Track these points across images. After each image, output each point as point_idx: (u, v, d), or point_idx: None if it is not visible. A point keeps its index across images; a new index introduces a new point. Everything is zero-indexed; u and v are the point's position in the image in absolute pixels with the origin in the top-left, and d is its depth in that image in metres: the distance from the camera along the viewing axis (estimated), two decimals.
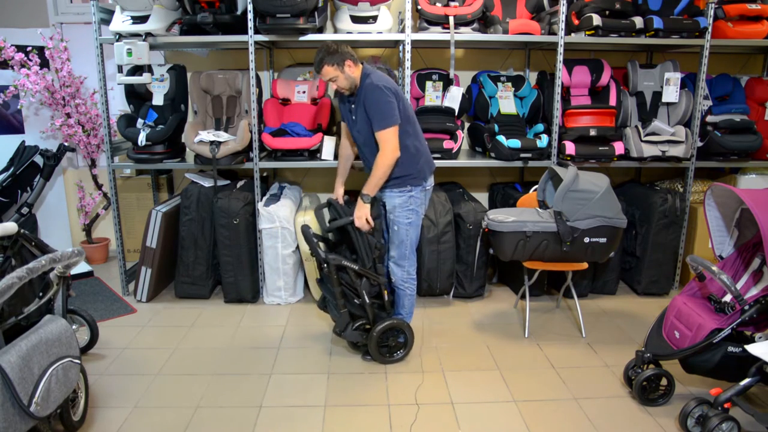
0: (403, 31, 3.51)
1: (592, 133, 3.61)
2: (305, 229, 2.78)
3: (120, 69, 3.50)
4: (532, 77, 4.26)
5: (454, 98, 3.78)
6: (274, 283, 3.62)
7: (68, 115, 4.02)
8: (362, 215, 2.68)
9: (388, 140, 2.60)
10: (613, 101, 3.77)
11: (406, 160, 2.71)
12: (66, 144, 4.07)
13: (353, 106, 2.75)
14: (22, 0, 4.24)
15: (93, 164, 4.26)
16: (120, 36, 3.38)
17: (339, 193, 3.04)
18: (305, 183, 4.36)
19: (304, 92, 3.83)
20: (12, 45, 3.81)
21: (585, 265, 3.14)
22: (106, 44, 3.52)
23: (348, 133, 2.96)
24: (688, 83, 3.82)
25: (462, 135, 3.74)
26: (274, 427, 2.38)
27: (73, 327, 2.76)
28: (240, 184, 3.85)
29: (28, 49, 3.87)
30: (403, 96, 2.73)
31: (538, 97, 3.89)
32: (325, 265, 2.70)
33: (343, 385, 2.71)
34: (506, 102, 3.93)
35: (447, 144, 3.60)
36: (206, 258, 3.65)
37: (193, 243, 3.61)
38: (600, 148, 3.62)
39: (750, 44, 3.77)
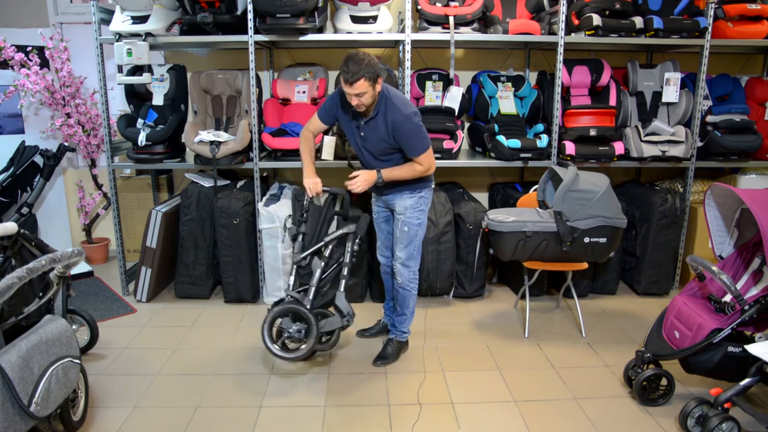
0: (403, 31, 3.51)
1: (592, 133, 3.61)
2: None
3: (120, 69, 3.50)
4: (532, 77, 4.26)
5: (454, 98, 3.78)
6: (274, 283, 3.62)
7: (68, 115, 4.02)
8: (364, 183, 2.62)
9: (427, 160, 2.63)
10: (613, 101, 3.77)
11: None
12: (66, 144, 4.07)
13: (362, 123, 2.65)
14: (22, 0, 4.25)
15: (93, 164, 4.26)
16: (120, 36, 3.38)
17: (318, 182, 2.77)
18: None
19: (304, 92, 3.83)
20: (12, 45, 3.81)
21: (585, 265, 3.14)
22: (106, 44, 3.52)
23: (315, 127, 2.84)
24: (688, 83, 3.82)
25: (462, 135, 3.74)
26: (274, 427, 2.38)
27: (73, 327, 2.76)
28: (240, 184, 3.85)
29: (28, 49, 3.87)
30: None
31: (538, 97, 3.89)
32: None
33: (343, 385, 2.71)
34: (506, 102, 3.93)
35: (447, 144, 3.60)
36: (206, 258, 3.65)
37: (193, 243, 3.61)
38: (600, 148, 3.62)
39: (750, 44, 3.77)
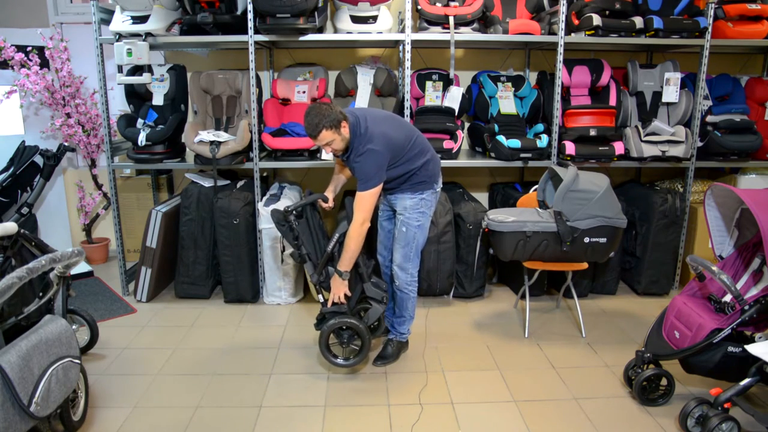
0: (403, 31, 3.51)
1: (592, 133, 3.61)
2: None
3: (120, 69, 3.50)
4: (532, 77, 4.26)
5: (454, 98, 3.78)
6: (274, 283, 3.62)
7: (68, 115, 4.02)
8: (338, 291, 2.64)
9: (362, 207, 2.54)
10: (613, 101, 3.77)
11: (420, 172, 2.72)
12: (66, 144, 4.07)
13: (345, 159, 2.69)
14: (22, 0, 4.25)
15: (93, 164, 4.26)
16: (120, 36, 3.38)
17: (328, 197, 2.94)
18: (305, 183, 4.36)
19: (304, 92, 3.83)
20: (12, 45, 3.81)
21: (585, 265, 3.14)
22: (106, 44, 3.52)
23: (341, 164, 2.94)
24: (688, 83, 3.82)
25: (462, 135, 3.74)
26: (274, 427, 2.38)
27: (73, 327, 2.77)
28: (240, 184, 3.86)
29: (28, 49, 3.87)
30: (407, 129, 2.69)
31: (538, 97, 3.89)
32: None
33: (343, 385, 2.71)
34: (506, 102, 3.93)
35: (447, 144, 3.60)
36: (206, 258, 3.65)
37: (193, 243, 3.61)
38: (600, 148, 3.62)
39: (750, 44, 3.77)
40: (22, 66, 3.84)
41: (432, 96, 3.82)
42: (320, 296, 2.75)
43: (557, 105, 3.66)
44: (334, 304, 2.69)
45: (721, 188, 2.55)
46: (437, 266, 3.53)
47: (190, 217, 3.59)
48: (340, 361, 2.74)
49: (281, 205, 3.44)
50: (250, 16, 3.39)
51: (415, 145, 2.70)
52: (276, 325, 3.36)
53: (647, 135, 3.64)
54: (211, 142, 3.46)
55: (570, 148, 3.59)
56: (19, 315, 2.24)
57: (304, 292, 3.78)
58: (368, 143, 2.54)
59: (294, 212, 2.69)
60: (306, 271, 2.75)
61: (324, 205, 2.90)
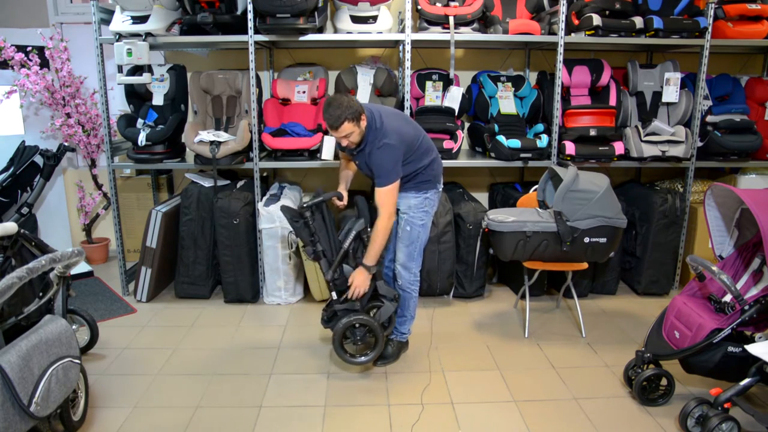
0: (403, 31, 3.51)
1: (592, 133, 3.62)
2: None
3: (120, 69, 3.50)
4: (532, 77, 4.26)
5: (454, 98, 3.78)
6: (274, 283, 3.62)
7: (68, 115, 4.02)
8: (363, 285, 2.64)
9: (386, 202, 2.56)
10: (613, 101, 3.77)
11: (426, 171, 2.73)
12: (66, 144, 4.07)
13: (355, 152, 2.69)
14: (22, 0, 4.25)
15: (93, 164, 4.26)
16: (120, 36, 3.38)
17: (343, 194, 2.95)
18: (305, 183, 4.36)
19: (304, 92, 3.83)
20: (12, 45, 3.81)
21: (585, 265, 3.14)
22: (106, 44, 3.52)
23: (347, 158, 2.93)
24: (688, 83, 3.82)
25: (462, 135, 3.74)
26: (274, 427, 2.38)
27: (73, 327, 2.77)
28: (240, 184, 3.86)
29: (28, 49, 3.87)
30: (414, 126, 2.72)
31: (538, 97, 3.89)
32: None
33: (343, 385, 2.71)
34: (506, 102, 3.93)
35: (447, 144, 3.60)
36: (206, 258, 3.65)
37: (193, 243, 3.61)
38: (600, 148, 3.62)
39: (750, 44, 3.77)
40: (22, 66, 3.84)
41: (432, 96, 3.82)
42: (333, 293, 2.75)
43: (557, 105, 3.66)
44: (347, 300, 2.68)
45: (721, 188, 2.55)
46: (437, 266, 3.53)
47: (190, 217, 3.59)
48: (361, 359, 2.74)
49: (282, 205, 3.45)
50: (250, 16, 3.39)
51: (422, 144, 2.72)
52: (276, 325, 3.36)
53: (647, 135, 3.64)
54: (211, 142, 3.46)
55: (570, 148, 3.59)
56: (19, 315, 2.24)
57: (304, 292, 3.78)
58: (384, 138, 2.55)
59: (311, 209, 2.69)
60: (321, 267, 2.75)
61: (338, 203, 2.88)
